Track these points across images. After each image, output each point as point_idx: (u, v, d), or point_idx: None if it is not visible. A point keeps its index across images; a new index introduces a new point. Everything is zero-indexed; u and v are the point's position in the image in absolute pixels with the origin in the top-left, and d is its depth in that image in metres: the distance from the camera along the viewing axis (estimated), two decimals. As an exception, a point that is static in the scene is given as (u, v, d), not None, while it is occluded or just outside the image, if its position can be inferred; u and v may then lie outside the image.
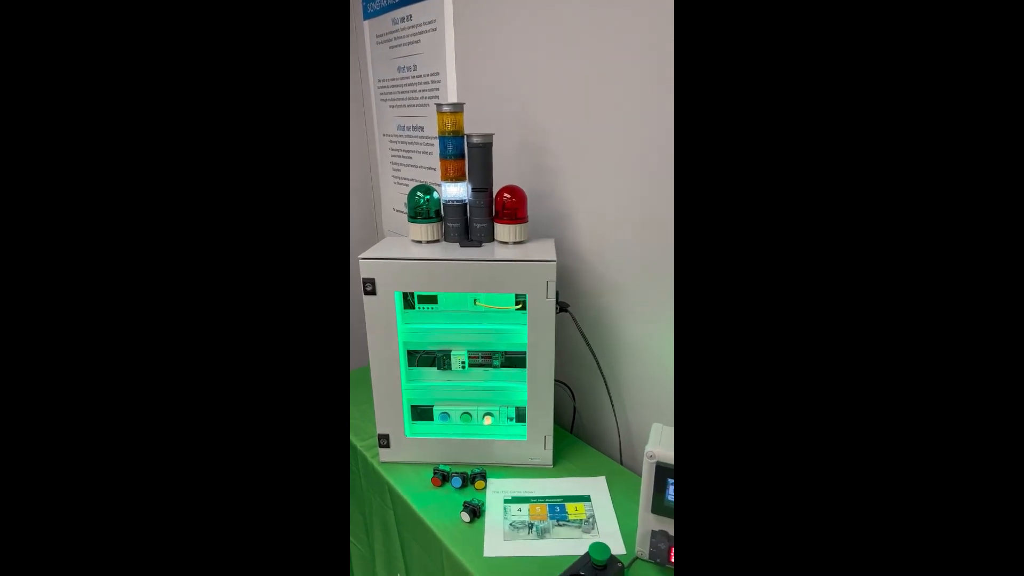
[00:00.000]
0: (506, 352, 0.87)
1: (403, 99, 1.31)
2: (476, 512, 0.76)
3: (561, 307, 0.89)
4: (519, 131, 0.99)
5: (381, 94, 1.41)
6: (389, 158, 1.45)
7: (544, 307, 0.79)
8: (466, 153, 0.85)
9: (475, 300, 0.86)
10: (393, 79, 1.33)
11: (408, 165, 1.36)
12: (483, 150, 0.83)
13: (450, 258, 0.80)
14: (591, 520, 0.76)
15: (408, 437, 0.88)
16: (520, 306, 0.83)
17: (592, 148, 0.87)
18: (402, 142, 1.36)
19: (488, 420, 0.90)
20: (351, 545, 1.07)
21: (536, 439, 0.86)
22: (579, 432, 1.02)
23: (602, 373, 0.93)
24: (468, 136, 0.84)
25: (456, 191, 0.86)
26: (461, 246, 0.86)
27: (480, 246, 0.85)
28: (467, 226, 0.87)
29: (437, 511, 0.78)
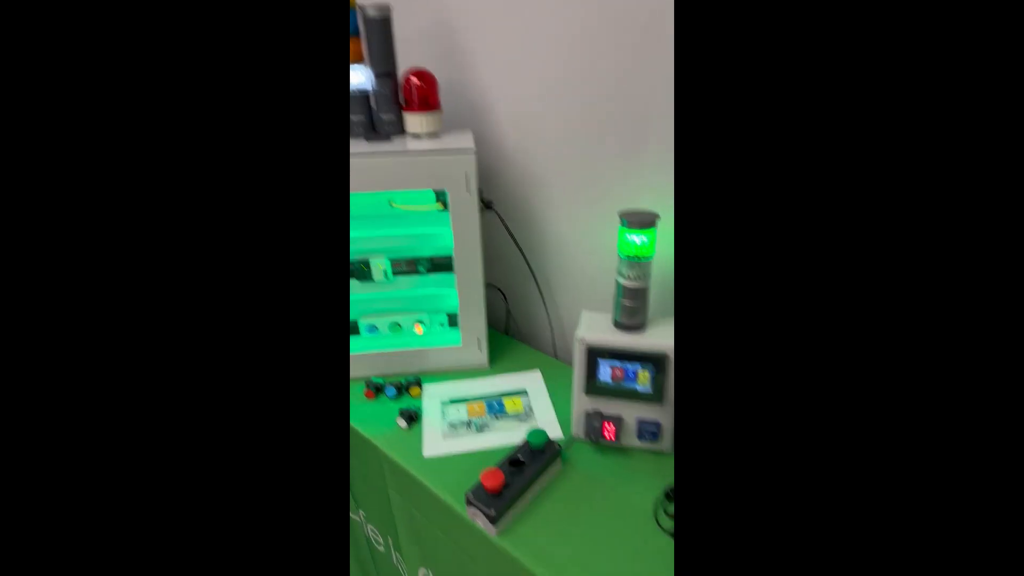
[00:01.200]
0: (432, 257, 0.82)
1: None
2: (413, 418, 0.75)
3: (485, 204, 0.84)
4: (425, 7, 0.87)
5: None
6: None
7: (466, 203, 0.74)
8: (361, 30, 0.74)
9: (391, 201, 0.79)
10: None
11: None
12: (381, 25, 0.72)
13: (356, 153, 0.71)
14: (529, 411, 0.77)
15: (335, 354, 0.84)
16: (441, 205, 0.77)
17: (512, 27, 0.78)
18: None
19: (419, 328, 0.87)
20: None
21: (470, 342, 0.85)
22: (513, 333, 1.01)
23: (531, 270, 0.91)
24: (362, 8, 0.72)
25: (356, 78, 0.76)
26: (367, 140, 0.77)
27: (389, 140, 0.77)
28: (372, 118, 0.78)
29: (372, 422, 0.76)
